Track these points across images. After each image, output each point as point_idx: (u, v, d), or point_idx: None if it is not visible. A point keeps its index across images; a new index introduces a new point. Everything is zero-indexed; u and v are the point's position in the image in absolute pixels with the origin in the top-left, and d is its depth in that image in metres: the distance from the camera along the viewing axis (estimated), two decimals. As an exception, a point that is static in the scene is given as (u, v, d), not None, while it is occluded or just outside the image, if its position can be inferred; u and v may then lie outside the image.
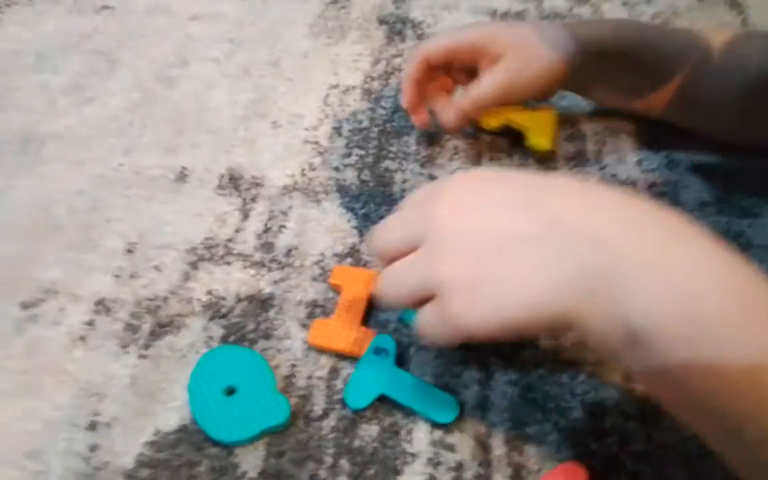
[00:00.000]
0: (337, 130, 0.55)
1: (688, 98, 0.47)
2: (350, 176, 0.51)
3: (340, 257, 0.46)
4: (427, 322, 0.31)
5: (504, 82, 0.47)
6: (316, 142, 0.55)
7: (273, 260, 0.46)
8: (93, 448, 0.37)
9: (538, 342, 0.40)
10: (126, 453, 0.36)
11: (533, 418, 0.37)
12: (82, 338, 0.42)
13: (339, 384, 0.39)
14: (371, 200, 0.49)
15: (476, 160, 0.52)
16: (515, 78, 0.47)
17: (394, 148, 0.53)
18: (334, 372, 0.39)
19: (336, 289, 0.43)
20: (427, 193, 0.34)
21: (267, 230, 0.48)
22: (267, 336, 0.41)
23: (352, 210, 0.49)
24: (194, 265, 0.46)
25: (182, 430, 0.37)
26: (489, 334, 0.29)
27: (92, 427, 0.38)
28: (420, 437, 0.36)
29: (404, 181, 0.51)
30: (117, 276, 0.46)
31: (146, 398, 0.39)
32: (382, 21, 0.67)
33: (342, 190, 0.50)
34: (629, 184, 0.49)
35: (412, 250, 0.32)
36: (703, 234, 0.27)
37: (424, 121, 0.52)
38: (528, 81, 0.48)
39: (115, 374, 0.40)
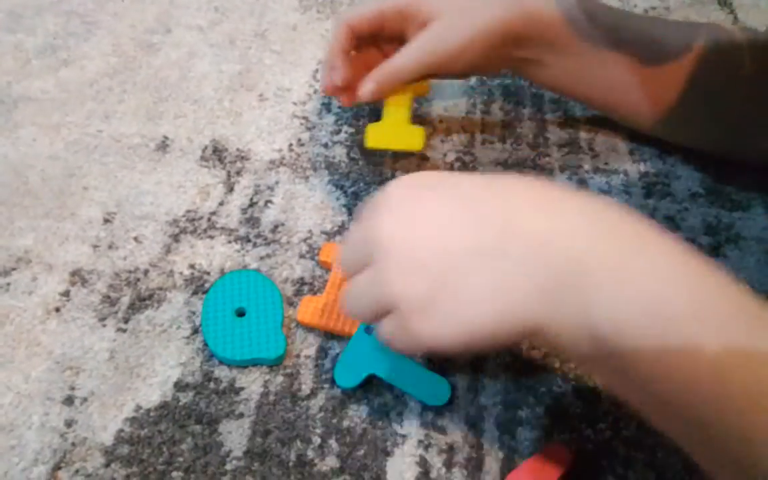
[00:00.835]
0: (326, 107, 0.54)
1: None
2: (339, 153, 0.50)
3: (329, 235, 0.44)
4: (389, 334, 0.30)
5: (427, 51, 0.41)
6: (305, 118, 0.53)
7: (258, 236, 0.44)
8: (69, 423, 0.35)
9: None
10: (104, 429, 0.35)
11: (525, 402, 0.36)
12: (57, 309, 0.40)
13: (327, 363, 0.38)
14: (361, 179, 0.48)
15: (469, 142, 0.51)
16: (440, 46, 0.41)
17: (384, 127, 0.52)
18: (322, 351, 0.38)
19: (325, 267, 0.42)
20: (371, 205, 0.31)
21: (252, 205, 0.46)
22: (253, 312, 0.40)
23: (341, 188, 0.48)
24: (176, 238, 0.44)
25: (164, 406, 0.36)
26: (452, 349, 0.28)
27: (69, 401, 0.36)
28: (411, 419, 0.36)
29: (395, 161, 0.50)
30: (95, 246, 0.43)
31: (126, 373, 0.37)
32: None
33: (331, 167, 0.49)
34: (621, 173, 0.49)
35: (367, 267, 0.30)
36: (663, 236, 0.26)
37: (350, 99, 0.45)
38: (456, 48, 0.41)
39: (92, 348, 0.38)
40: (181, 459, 0.34)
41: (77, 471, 0.33)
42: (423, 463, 0.34)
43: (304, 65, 0.58)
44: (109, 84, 0.55)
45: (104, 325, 0.39)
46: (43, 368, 0.37)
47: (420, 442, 0.35)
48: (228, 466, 0.34)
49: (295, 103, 0.54)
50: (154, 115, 0.53)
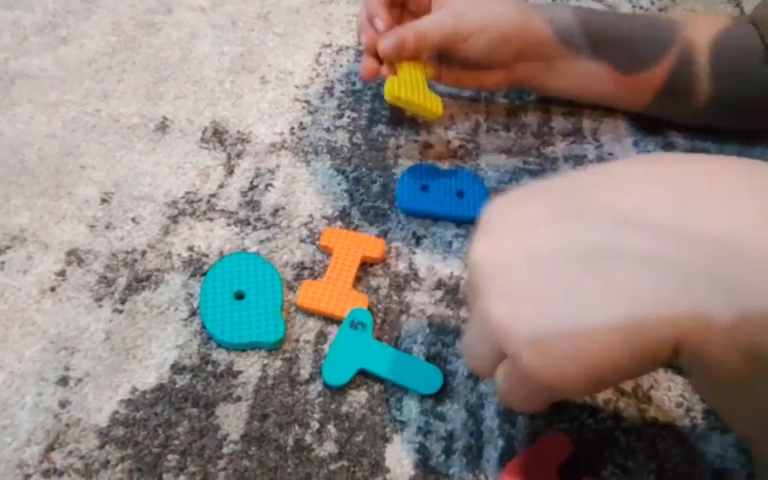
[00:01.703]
0: (329, 91, 0.53)
1: (670, 91, 0.46)
2: (342, 138, 0.50)
3: (330, 220, 0.44)
4: (503, 386, 0.25)
5: (448, 22, 0.44)
6: (307, 101, 0.52)
7: (259, 219, 0.44)
8: (63, 404, 0.34)
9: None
10: (99, 410, 0.34)
11: (526, 391, 0.36)
12: (52, 289, 0.39)
13: (326, 348, 0.37)
14: (363, 164, 0.48)
15: (474, 129, 0.50)
16: (461, 20, 0.44)
17: (387, 113, 0.52)
18: (321, 336, 0.38)
19: (326, 252, 0.42)
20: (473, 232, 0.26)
21: (253, 188, 0.46)
22: (252, 296, 0.39)
23: (342, 172, 0.47)
24: (174, 219, 0.44)
25: (160, 388, 0.35)
26: (577, 388, 0.22)
27: (63, 381, 0.35)
28: (410, 405, 0.35)
29: (398, 147, 0.49)
30: (91, 226, 0.43)
31: (122, 354, 0.37)
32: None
33: (333, 151, 0.49)
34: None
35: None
36: None
37: (373, 70, 0.45)
38: (473, 27, 0.44)
39: (88, 328, 0.38)
40: (177, 442, 0.33)
41: (71, 452, 0.33)
42: (422, 450, 0.33)
43: (306, 48, 0.57)
44: (108, 63, 0.54)
45: (100, 306, 0.39)
46: (38, 348, 0.37)
47: (419, 428, 0.34)
48: (225, 450, 0.33)
49: (297, 87, 0.53)
50: (153, 95, 0.52)
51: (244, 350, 0.37)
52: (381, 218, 0.44)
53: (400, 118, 0.51)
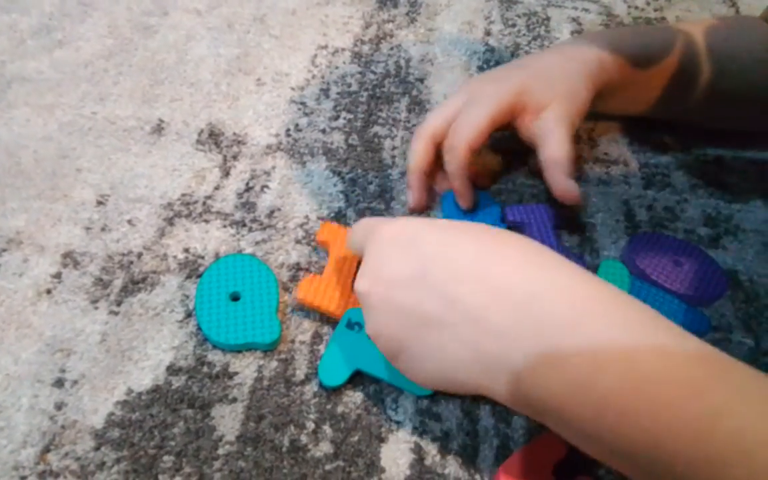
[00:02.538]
0: (325, 92, 0.53)
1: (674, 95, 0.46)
2: (337, 139, 0.50)
3: (326, 221, 0.44)
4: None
5: (569, 130, 0.42)
6: (303, 103, 0.52)
7: (254, 220, 0.44)
8: (59, 406, 0.34)
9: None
10: (95, 412, 0.34)
11: (522, 391, 0.36)
12: (48, 291, 0.39)
13: (322, 349, 0.37)
14: (359, 165, 0.48)
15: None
16: (573, 122, 0.42)
17: (383, 114, 0.52)
18: (317, 337, 0.38)
19: (322, 246, 0.42)
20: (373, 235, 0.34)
21: (248, 189, 0.46)
22: (248, 297, 0.39)
23: (338, 174, 0.47)
24: (170, 221, 0.44)
25: (156, 390, 0.35)
26: (430, 387, 0.33)
27: (59, 383, 0.35)
28: (405, 406, 0.35)
29: (393, 148, 0.49)
30: (87, 228, 0.43)
31: (118, 356, 0.37)
32: (372, -16, 0.65)
33: (329, 153, 0.49)
34: (621, 163, 0.48)
35: None
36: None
37: (423, 202, 0.45)
38: (578, 119, 0.43)
39: (84, 330, 0.38)
40: (172, 443, 0.33)
41: (66, 454, 0.33)
42: (417, 450, 0.33)
43: (302, 50, 0.57)
44: (104, 65, 0.54)
45: (96, 308, 0.39)
46: (34, 350, 0.37)
47: (415, 428, 0.34)
48: (220, 451, 0.33)
49: (293, 88, 0.54)
50: (149, 97, 0.52)
51: (239, 351, 0.37)
52: (377, 219, 0.44)
53: (395, 118, 0.51)
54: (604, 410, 0.25)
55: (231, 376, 0.36)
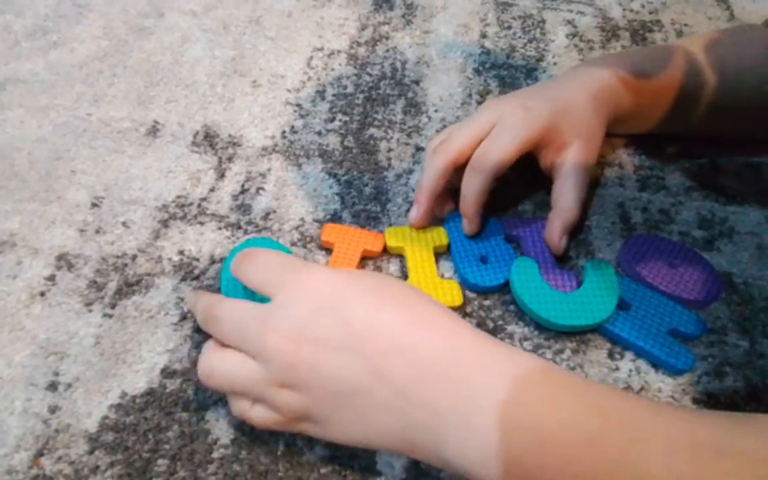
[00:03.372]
0: (321, 94, 0.53)
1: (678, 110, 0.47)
2: (333, 141, 0.50)
3: (321, 223, 0.44)
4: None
5: (585, 177, 0.43)
6: (298, 105, 0.52)
7: (250, 223, 0.44)
8: (53, 410, 0.34)
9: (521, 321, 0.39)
10: (89, 415, 0.34)
11: (517, 394, 0.36)
12: (42, 294, 0.39)
13: (318, 352, 0.37)
14: (355, 167, 0.48)
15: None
16: (589, 163, 0.43)
17: (379, 116, 0.52)
18: (312, 340, 0.38)
19: (327, 247, 0.42)
20: (259, 312, 0.31)
21: (244, 191, 0.46)
22: (243, 300, 0.39)
23: (334, 176, 0.47)
24: (165, 223, 0.44)
25: (150, 393, 0.35)
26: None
27: (52, 387, 0.35)
28: (401, 409, 0.35)
29: (389, 150, 0.49)
30: (81, 230, 0.43)
31: (112, 359, 0.36)
32: (368, -13, 0.65)
33: (324, 155, 0.49)
34: (616, 165, 0.48)
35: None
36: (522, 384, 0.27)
37: (426, 222, 0.43)
38: (593, 158, 0.44)
39: (78, 333, 0.38)
40: (167, 446, 0.33)
41: (60, 458, 0.32)
42: (413, 454, 0.33)
43: (298, 52, 0.57)
44: (99, 67, 0.54)
45: (90, 311, 0.39)
46: (27, 353, 0.36)
47: (410, 432, 0.34)
48: (215, 455, 0.33)
49: (288, 90, 0.53)
50: (144, 99, 0.52)
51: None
52: (372, 221, 0.44)
53: (391, 120, 0.51)
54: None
55: (226, 379, 0.36)
